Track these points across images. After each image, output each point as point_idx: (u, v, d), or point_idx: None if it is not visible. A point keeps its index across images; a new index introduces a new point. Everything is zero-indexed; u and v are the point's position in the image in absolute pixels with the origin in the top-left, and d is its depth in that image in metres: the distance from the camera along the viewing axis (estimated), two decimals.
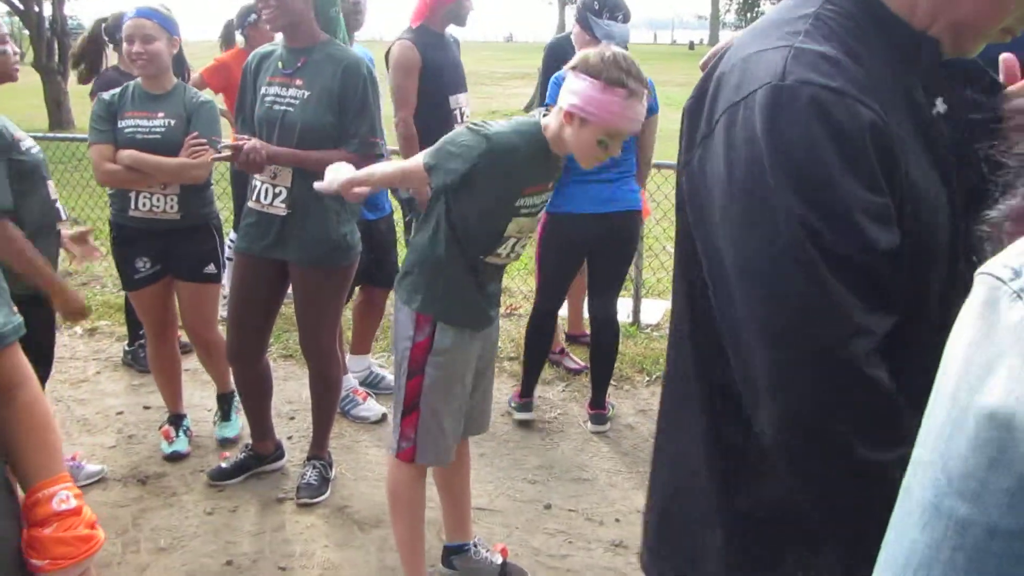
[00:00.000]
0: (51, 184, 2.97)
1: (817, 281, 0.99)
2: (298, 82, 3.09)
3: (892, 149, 1.03)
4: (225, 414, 3.86)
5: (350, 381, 4.17)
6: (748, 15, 52.64)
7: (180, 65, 3.65)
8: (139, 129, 3.36)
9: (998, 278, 0.60)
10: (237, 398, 3.77)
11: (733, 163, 1.06)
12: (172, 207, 3.42)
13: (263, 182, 3.17)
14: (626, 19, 3.74)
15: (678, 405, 1.34)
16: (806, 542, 1.20)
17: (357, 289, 4.20)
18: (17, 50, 3.05)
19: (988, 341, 0.59)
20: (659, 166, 5.23)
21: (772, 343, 1.04)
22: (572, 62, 2.33)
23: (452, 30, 4.25)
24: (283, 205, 3.14)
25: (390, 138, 4.39)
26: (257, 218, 3.21)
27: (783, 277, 1.01)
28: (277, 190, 3.14)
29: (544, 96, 3.81)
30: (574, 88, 2.28)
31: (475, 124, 2.37)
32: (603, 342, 4.02)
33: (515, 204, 2.41)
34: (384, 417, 4.04)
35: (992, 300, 0.60)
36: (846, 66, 1.05)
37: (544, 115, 2.42)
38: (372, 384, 4.38)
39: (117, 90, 3.52)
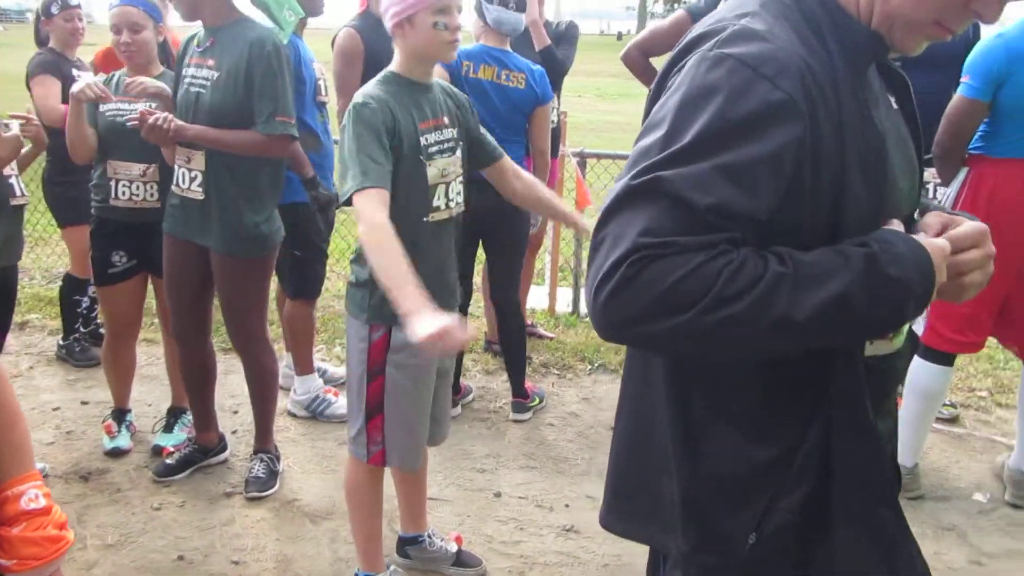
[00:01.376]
0: None
1: (644, 202, 1.08)
2: (210, 62, 3.07)
3: (804, 129, 1.11)
4: (169, 426, 3.77)
5: (317, 382, 4.12)
6: (674, 6, 53.28)
7: (165, 52, 3.60)
8: (120, 112, 3.33)
9: None
10: (186, 416, 3.75)
11: (663, 99, 1.19)
12: (152, 195, 3.38)
13: (179, 166, 3.15)
14: (519, 8, 3.73)
15: (645, 362, 1.39)
16: (756, 505, 1.28)
17: (287, 302, 4.03)
18: None
19: None
20: (599, 156, 5.32)
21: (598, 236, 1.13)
22: None
23: None
24: (199, 189, 3.12)
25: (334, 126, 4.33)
26: (179, 201, 3.20)
27: (629, 184, 1.11)
28: (193, 174, 3.12)
29: None
30: (384, 6, 2.38)
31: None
32: (507, 329, 4.02)
33: (420, 146, 2.38)
34: None
35: None
36: (779, 44, 1.13)
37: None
38: (316, 411, 4.04)
39: (101, 77, 3.48)
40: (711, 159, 1.06)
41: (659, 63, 3.64)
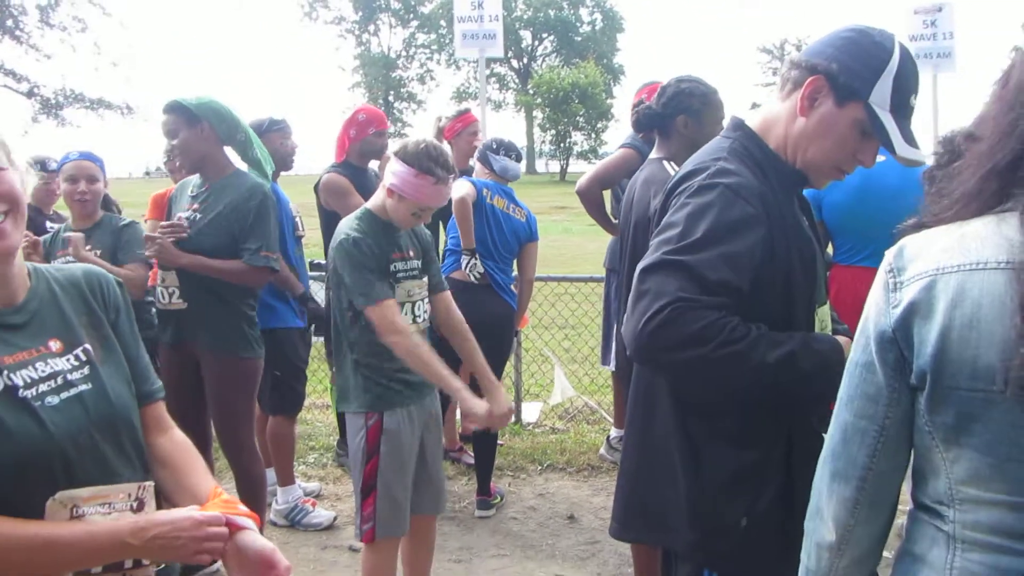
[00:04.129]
0: None
1: (673, 272, 1.64)
2: (196, 207, 3.52)
3: (766, 232, 1.70)
4: None
5: (297, 491, 4.42)
6: (561, 145, 56.19)
7: (107, 202, 3.99)
8: (68, 263, 3.65)
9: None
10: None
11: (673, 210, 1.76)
12: None
13: (158, 286, 3.54)
14: (518, 159, 4.48)
15: (649, 405, 1.93)
16: (746, 496, 1.79)
17: (270, 419, 4.40)
18: None
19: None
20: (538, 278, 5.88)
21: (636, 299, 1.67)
22: (395, 148, 2.88)
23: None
24: (180, 300, 3.48)
25: None
26: (166, 314, 3.57)
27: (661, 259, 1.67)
28: (170, 290, 3.49)
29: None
30: (395, 170, 2.80)
31: (336, 240, 2.85)
32: (483, 430, 4.40)
33: (390, 271, 2.86)
34: (335, 520, 4.35)
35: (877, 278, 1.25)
36: (745, 178, 1.75)
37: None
38: (295, 520, 4.33)
39: (48, 236, 3.84)
40: (715, 249, 1.64)
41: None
